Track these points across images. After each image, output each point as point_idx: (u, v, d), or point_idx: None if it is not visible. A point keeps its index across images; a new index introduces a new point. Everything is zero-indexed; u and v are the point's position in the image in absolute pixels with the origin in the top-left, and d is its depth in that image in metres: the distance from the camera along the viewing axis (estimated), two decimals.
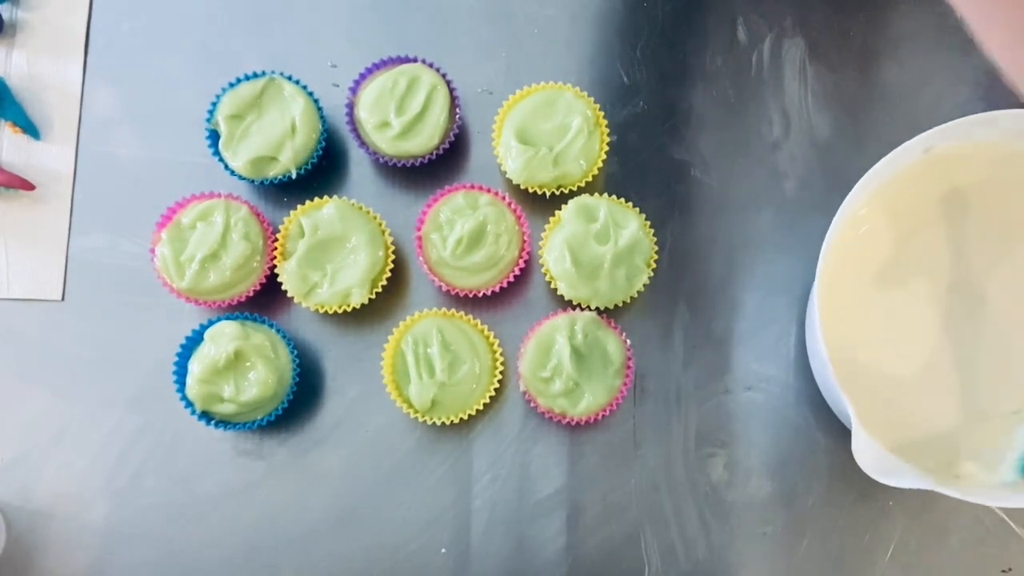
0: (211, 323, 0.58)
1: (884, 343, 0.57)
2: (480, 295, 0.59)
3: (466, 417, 0.57)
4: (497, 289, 0.59)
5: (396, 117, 0.59)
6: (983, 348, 0.57)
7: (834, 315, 0.55)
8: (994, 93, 0.63)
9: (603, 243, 0.57)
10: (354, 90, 0.61)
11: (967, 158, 0.54)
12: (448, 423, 0.57)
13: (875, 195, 0.54)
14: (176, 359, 0.58)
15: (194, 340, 0.58)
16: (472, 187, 0.59)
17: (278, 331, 0.59)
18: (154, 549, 0.59)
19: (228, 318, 0.58)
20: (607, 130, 0.60)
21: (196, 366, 0.56)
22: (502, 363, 0.59)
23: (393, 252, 0.59)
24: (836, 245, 0.56)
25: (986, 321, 0.57)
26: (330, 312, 0.58)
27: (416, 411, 0.57)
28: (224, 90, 0.60)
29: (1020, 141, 0.53)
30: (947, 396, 0.56)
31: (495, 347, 0.59)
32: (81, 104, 0.64)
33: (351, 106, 0.60)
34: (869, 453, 0.48)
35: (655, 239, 0.59)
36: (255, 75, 0.60)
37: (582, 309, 0.59)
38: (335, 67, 0.64)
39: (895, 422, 0.56)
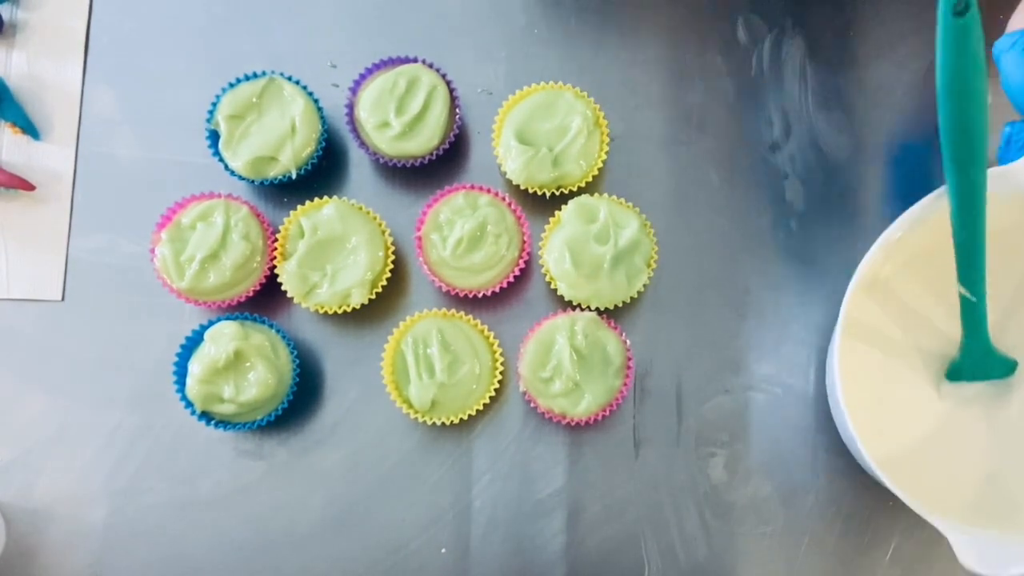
0: (211, 323, 0.58)
1: (908, 391, 0.56)
2: (480, 295, 0.59)
3: (466, 417, 0.57)
4: (497, 289, 0.59)
5: (396, 117, 0.59)
6: (1011, 395, 0.56)
7: (856, 368, 0.53)
8: (994, 97, 0.63)
9: (603, 243, 0.57)
10: (354, 90, 0.61)
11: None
12: (448, 423, 0.57)
13: (895, 247, 0.51)
14: (176, 359, 0.58)
15: (194, 340, 0.58)
16: (472, 187, 0.59)
17: (278, 331, 0.59)
18: (154, 549, 0.59)
19: (228, 318, 0.58)
20: (607, 130, 0.60)
21: (196, 366, 0.56)
22: (502, 363, 0.59)
23: (393, 252, 0.59)
24: (857, 291, 0.52)
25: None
26: (330, 312, 0.58)
27: (416, 411, 0.57)
28: (224, 90, 0.60)
29: None
30: (971, 445, 0.55)
31: (495, 347, 0.59)
32: (81, 104, 0.64)
33: (351, 106, 0.60)
34: (974, 552, 0.45)
35: (655, 239, 0.59)
36: (255, 75, 0.60)
37: (582, 309, 0.59)
38: (335, 67, 0.64)
39: (920, 471, 0.54)
